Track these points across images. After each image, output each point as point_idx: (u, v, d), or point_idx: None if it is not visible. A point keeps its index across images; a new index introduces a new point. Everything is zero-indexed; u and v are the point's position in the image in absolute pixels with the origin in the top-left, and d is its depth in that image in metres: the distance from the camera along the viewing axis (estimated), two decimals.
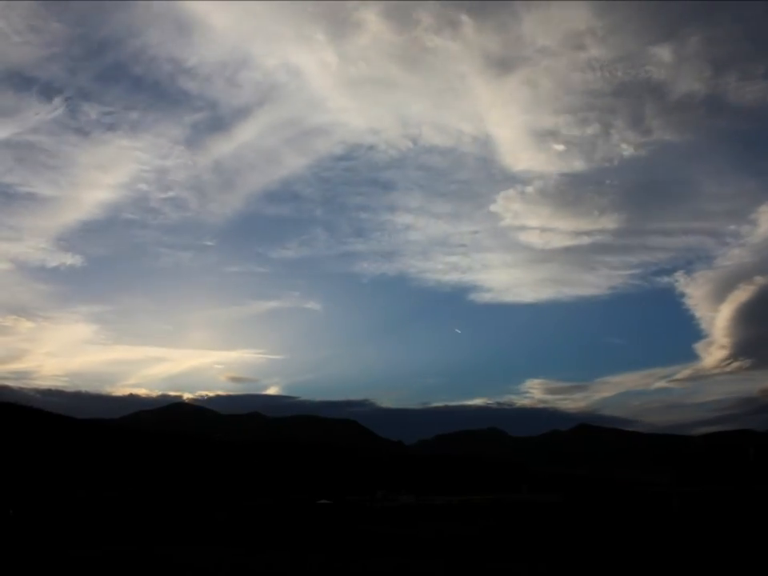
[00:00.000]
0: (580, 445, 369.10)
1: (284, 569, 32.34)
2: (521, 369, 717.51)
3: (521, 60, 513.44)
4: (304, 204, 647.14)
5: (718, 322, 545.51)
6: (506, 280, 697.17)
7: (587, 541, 42.00)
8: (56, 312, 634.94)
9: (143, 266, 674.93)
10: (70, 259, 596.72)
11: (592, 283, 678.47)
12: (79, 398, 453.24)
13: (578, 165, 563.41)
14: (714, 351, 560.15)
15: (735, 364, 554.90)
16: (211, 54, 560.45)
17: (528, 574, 29.13)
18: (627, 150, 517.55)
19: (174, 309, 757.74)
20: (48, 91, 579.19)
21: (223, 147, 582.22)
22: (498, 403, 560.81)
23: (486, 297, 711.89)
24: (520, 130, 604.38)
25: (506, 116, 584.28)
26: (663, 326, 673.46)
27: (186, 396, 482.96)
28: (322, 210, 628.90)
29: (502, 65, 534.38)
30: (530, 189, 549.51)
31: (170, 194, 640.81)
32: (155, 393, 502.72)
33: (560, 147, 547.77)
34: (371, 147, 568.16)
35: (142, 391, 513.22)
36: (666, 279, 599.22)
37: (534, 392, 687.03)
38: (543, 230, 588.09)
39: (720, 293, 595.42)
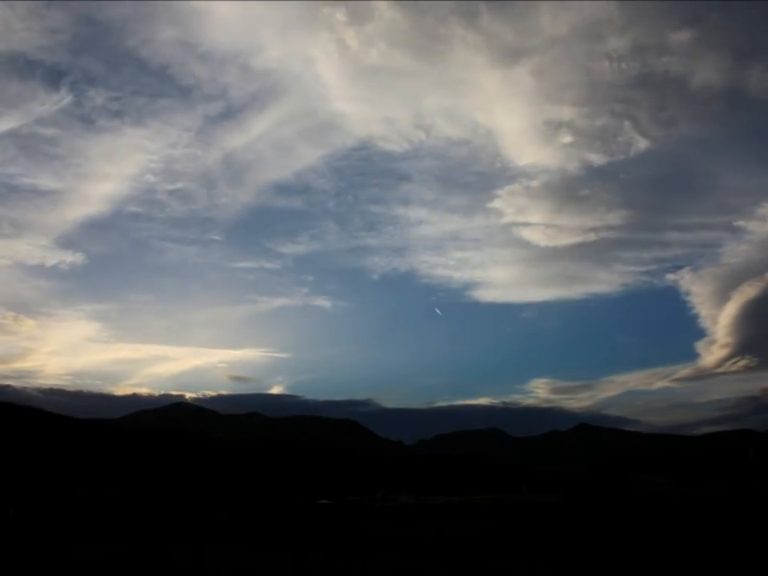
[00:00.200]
0: (580, 445, 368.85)
1: (284, 569, 32.33)
2: (527, 368, 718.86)
3: (536, 50, 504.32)
4: (315, 197, 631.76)
5: (722, 319, 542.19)
6: (512, 277, 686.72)
7: (587, 541, 41.99)
8: (59, 310, 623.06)
9: (148, 261, 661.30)
10: (72, 256, 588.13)
11: (599, 281, 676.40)
12: (81, 397, 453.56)
13: (588, 159, 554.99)
14: (717, 350, 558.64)
15: (741, 362, 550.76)
16: (223, 40, 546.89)
17: (528, 573, 29.13)
18: (641, 143, 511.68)
19: (179, 306, 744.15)
20: (52, 75, 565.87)
21: (233, 137, 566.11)
22: (504, 403, 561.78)
23: (492, 295, 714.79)
24: (535, 121, 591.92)
25: (519, 107, 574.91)
26: (669, 324, 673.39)
27: (189, 395, 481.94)
28: (334, 202, 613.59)
29: (518, 54, 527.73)
30: (535, 184, 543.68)
31: (178, 185, 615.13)
32: (157, 392, 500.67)
33: (571, 139, 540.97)
34: (383, 137, 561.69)
35: (144, 390, 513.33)
36: (671, 277, 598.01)
37: (539, 391, 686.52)
38: (548, 226, 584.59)
39: (725, 290, 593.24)
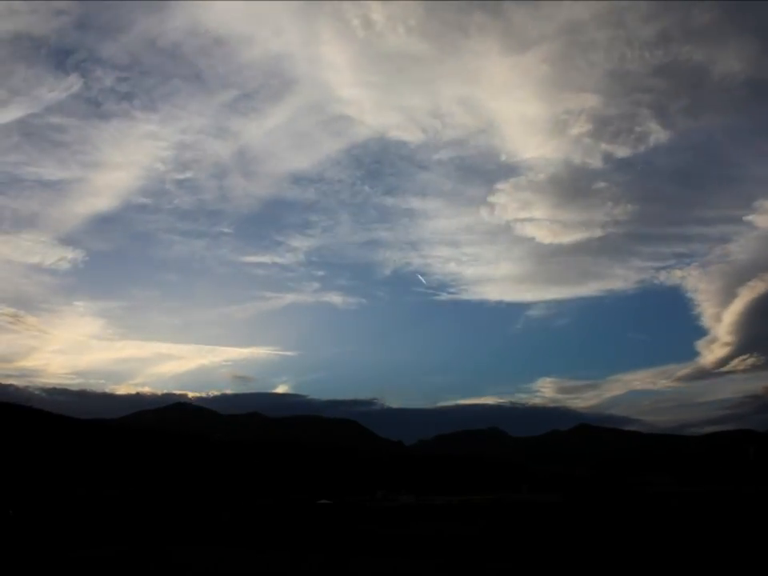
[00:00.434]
0: (580, 445, 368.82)
1: (285, 569, 32.32)
2: (534, 367, 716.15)
3: (555, 37, 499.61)
4: (328, 188, 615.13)
5: (727, 317, 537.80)
6: (520, 275, 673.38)
7: (586, 541, 41.98)
8: (64, 307, 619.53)
9: (155, 255, 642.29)
10: (77, 252, 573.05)
11: (607, 278, 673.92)
12: (84, 396, 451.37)
13: (605, 150, 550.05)
14: (721, 348, 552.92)
15: (749, 360, 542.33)
16: (236, 24, 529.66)
17: (527, 573, 29.11)
18: (660, 134, 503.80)
19: (186, 303, 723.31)
20: (59, 56, 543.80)
21: (246, 125, 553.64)
22: (512, 402, 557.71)
23: (500, 293, 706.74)
24: (552, 111, 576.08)
25: (534, 96, 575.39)
26: (674, 322, 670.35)
27: (191, 395, 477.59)
28: (348, 193, 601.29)
29: (536, 42, 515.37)
30: (541, 177, 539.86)
31: (188, 174, 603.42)
32: (160, 391, 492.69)
33: (588, 130, 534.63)
34: (397, 126, 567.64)
35: (146, 390, 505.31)
36: (678, 273, 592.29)
37: (545, 391, 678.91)
38: (553, 221, 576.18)
39: (731, 287, 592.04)
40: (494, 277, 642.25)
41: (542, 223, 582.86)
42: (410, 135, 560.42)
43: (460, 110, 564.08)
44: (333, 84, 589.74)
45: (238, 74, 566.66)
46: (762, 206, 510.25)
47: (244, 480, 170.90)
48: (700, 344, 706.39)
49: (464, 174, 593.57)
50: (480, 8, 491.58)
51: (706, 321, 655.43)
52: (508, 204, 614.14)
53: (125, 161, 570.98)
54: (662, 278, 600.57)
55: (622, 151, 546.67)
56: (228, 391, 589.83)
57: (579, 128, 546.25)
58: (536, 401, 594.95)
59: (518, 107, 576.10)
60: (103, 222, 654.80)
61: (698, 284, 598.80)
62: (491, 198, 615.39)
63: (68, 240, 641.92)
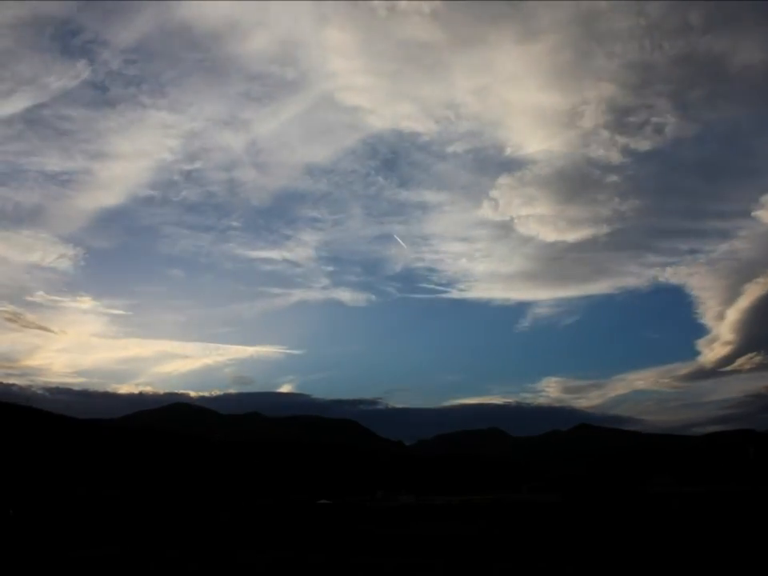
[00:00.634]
0: (580, 445, 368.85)
1: (285, 568, 32.31)
2: (540, 367, 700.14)
3: (568, 26, 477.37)
4: (341, 179, 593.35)
5: (731, 315, 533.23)
6: (523, 273, 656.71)
7: (586, 541, 41.99)
8: (68, 305, 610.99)
9: (161, 251, 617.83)
10: (81, 248, 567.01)
11: (615, 277, 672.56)
12: (87, 396, 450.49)
13: (621, 144, 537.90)
14: (724, 347, 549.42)
15: (756, 359, 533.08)
16: (247, 7, 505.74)
17: (528, 573, 29.10)
18: (675, 127, 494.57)
19: (191, 300, 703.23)
20: (64, 36, 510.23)
21: (257, 115, 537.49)
22: (518, 402, 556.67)
23: (506, 291, 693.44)
24: (563, 103, 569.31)
25: (545, 86, 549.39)
26: (678, 321, 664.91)
27: (193, 394, 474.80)
28: (360, 185, 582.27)
29: (548, 30, 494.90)
30: (551, 174, 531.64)
31: (197, 164, 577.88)
32: (162, 391, 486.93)
33: (601, 122, 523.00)
34: (409, 116, 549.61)
35: (148, 389, 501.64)
36: (684, 271, 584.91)
37: (550, 390, 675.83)
38: (559, 217, 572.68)
39: (735, 285, 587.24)
40: (502, 274, 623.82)
41: (549, 219, 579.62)
42: (423, 126, 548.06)
43: (474, 101, 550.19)
44: (346, 72, 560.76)
45: (249, 60, 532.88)
46: None
47: (244, 480, 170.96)
48: (704, 342, 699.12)
49: (476, 166, 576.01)
50: None
51: (710, 319, 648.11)
52: (514, 199, 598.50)
53: (131, 150, 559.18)
54: (668, 275, 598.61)
55: (639, 144, 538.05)
56: (231, 390, 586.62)
57: (595, 119, 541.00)
58: (541, 400, 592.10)
59: (533, 97, 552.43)
60: (108, 216, 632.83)
61: (703, 281, 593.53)
62: (498, 192, 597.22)
63: (71, 236, 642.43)
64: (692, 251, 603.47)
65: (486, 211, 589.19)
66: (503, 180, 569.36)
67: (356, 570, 31.21)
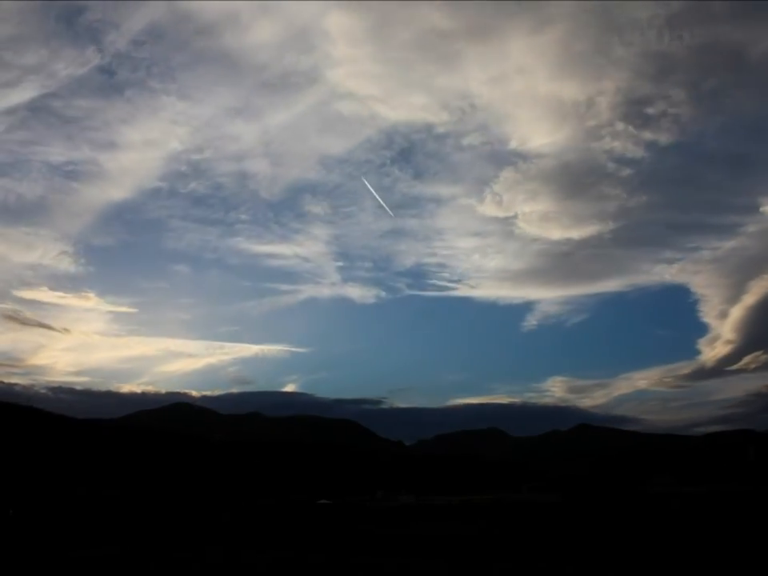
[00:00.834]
0: (580, 445, 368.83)
1: (285, 569, 32.32)
2: (546, 366, 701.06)
3: (588, 16, 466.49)
4: (354, 170, 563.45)
5: (735, 312, 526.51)
6: (529, 272, 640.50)
7: (586, 541, 41.99)
8: (72, 303, 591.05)
9: (167, 246, 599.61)
10: (85, 245, 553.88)
11: (618, 276, 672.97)
12: (89, 395, 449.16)
13: (632, 138, 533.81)
14: (726, 346, 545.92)
15: (762, 357, 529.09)
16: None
17: (528, 573, 29.10)
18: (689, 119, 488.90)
19: (197, 298, 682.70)
20: (71, 22, 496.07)
21: (269, 104, 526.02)
22: (524, 402, 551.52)
23: (511, 290, 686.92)
24: (578, 94, 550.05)
25: (555, 77, 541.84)
26: (682, 320, 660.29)
27: (195, 393, 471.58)
28: (372, 179, 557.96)
29: (558, 19, 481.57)
30: (553, 169, 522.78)
31: (206, 154, 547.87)
32: (164, 390, 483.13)
33: (610, 116, 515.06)
34: (423, 107, 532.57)
35: (150, 388, 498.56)
36: (690, 269, 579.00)
37: (555, 390, 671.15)
38: (564, 214, 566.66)
39: (739, 284, 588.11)
40: (509, 271, 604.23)
41: (554, 214, 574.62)
42: (437, 117, 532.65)
43: (488, 91, 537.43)
44: (359, 61, 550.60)
45: (261, 48, 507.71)
46: None
47: (244, 480, 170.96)
48: (706, 341, 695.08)
49: (490, 159, 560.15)
50: None
51: (714, 317, 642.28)
52: (518, 195, 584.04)
53: (139, 140, 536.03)
54: (673, 273, 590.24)
55: (652, 136, 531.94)
56: (233, 390, 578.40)
57: (611, 111, 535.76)
58: (546, 400, 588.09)
59: (547, 88, 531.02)
60: (113, 210, 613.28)
61: (707, 279, 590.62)
62: (503, 187, 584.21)
63: (75, 230, 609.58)
64: (699, 248, 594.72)
65: (494, 206, 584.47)
66: (511, 174, 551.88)
67: (356, 569, 31.21)
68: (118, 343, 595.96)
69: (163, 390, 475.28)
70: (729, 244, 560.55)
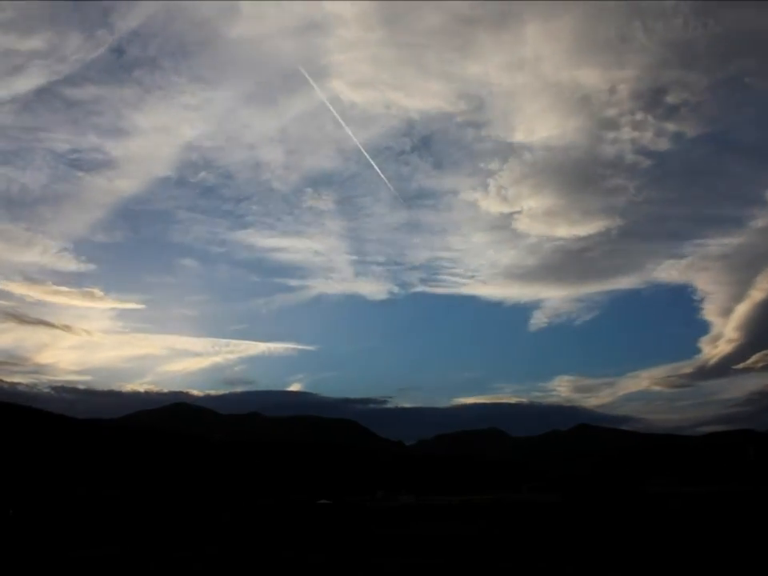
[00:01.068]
0: (580, 445, 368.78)
1: (286, 568, 32.32)
2: (552, 366, 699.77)
3: (611, 3, 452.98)
4: (367, 162, 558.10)
5: (741, 309, 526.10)
6: (534, 270, 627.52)
7: (586, 541, 41.98)
8: (76, 301, 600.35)
9: (174, 238, 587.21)
10: (89, 237, 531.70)
11: (625, 274, 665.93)
12: (91, 394, 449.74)
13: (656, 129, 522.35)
14: (728, 345, 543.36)
15: None
16: None
17: (528, 573, 29.10)
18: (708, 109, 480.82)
19: (204, 294, 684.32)
20: (80, 6, 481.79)
21: (282, 93, 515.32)
22: (530, 401, 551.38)
23: (516, 292, 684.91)
24: (597, 82, 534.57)
25: (567, 66, 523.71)
26: (684, 320, 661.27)
27: (196, 393, 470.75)
28: (391, 169, 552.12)
29: (587, 8, 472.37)
30: (555, 160, 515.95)
31: (218, 141, 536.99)
32: (166, 389, 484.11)
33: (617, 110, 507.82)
34: (439, 95, 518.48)
35: (153, 388, 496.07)
36: (689, 268, 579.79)
37: (561, 389, 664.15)
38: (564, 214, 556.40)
39: (742, 282, 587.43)
40: (517, 270, 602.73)
41: (560, 211, 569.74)
42: (453, 107, 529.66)
43: (505, 79, 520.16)
44: (374, 50, 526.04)
45: (276, 34, 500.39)
46: None
47: (244, 480, 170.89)
48: (708, 340, 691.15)
49: (502, 151, 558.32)
50: None
51: (717, 316, 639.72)
52: (523, 189, 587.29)
53: (148, 126, 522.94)
54: (677, 271, 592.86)
55: (681, 126, 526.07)
56: (236, 389, 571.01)
57: (633, 101, 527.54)
58: (552, 399, 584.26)
59: (568, 75, 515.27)
60: (119, 202, 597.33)
61: (711, 277, 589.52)
62: (508, 181, 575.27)
63: (79, 224, 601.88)
64: (703, 245, 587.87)
65: (498, 201, 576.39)
66: (517, 167, 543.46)
67: (356, 569, 31.21)
68: (122, 341, 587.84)
69: (165, 390, 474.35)
70: (736, 240, 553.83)
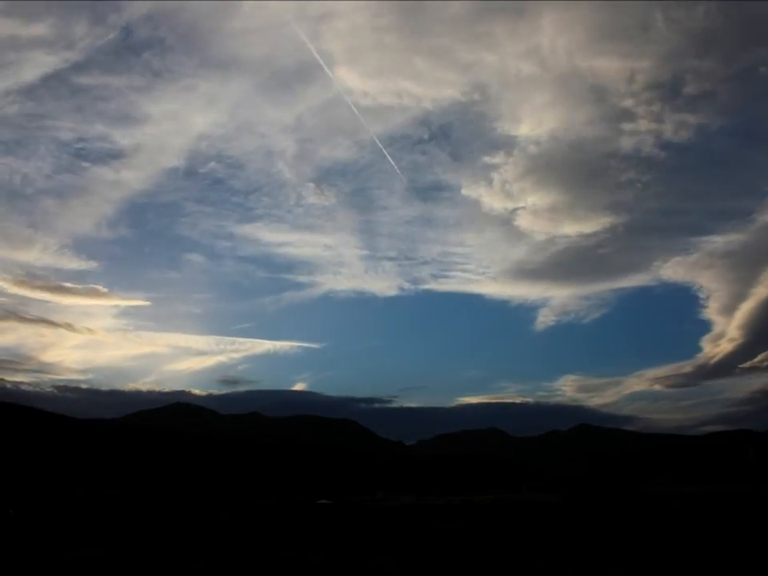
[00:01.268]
0: (580, 445, 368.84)
1: (286, 568, 32.32)
2: (558, 365, 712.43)
3: None
4: (381, 153, 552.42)
5: (743, 307, 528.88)
6: (538, 269, 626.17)
7: (586, 541, 41.99)
8: (80, 301, 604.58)
9: (180, 232, 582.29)
10: (94, 234, 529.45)
11: (633, 271, 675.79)
12: (93, 394, 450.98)
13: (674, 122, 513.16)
14: (730, 345, 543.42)
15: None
16: None
17: (528, 573, 29.12)
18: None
19: (210, 292, 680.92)
20: None
21: (297, 81, 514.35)
22: (536, 401, 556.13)
23: (523, 291, 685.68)
24: (613, 72, 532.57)
25: (598, 54, 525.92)
26: (683, 319, 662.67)
27: (197, 392, 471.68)
28: (404, 161, 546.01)
29: None
30: (559, 160, 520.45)
31: (230, 130, 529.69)
32: (168, 389, 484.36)
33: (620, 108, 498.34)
34: (455, 84, 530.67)
35: (154, 387, 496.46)
36: (692, 267, 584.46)
37: (566, 389, 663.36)
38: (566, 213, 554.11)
39: (744, 281, 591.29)
40: (524, 269, 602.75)
41: (565, 208, 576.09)
42: (467, 97, 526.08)
43: (526, 67, 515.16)
44: (388, 42, 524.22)
45: (288, 23, 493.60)
46: None
47: (244, 480, 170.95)
48: (709, 339, 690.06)
49: (513, 143, 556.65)
50: None
51: (720, 314, 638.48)
52: (526, 186, 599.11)
53: (157, 113, 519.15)
54: (681, 270, 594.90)
55: (695, 119, 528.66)
56: (240, 389, 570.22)
57: (649, 93, 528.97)
58: (557, 399, 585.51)
59: (585, 64, 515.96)
60: (125, 195, 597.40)
61: (714, 275, 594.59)
62: (511, 175, 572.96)
63: (84, 221, 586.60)
64: (705, 243, 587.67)
65: (501, 197, 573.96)
66: (522, 161, 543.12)
67: (356, 569, 31.21)
68: (126, 339, 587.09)
69: (167, 389, 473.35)
70: (742, 236, 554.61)
